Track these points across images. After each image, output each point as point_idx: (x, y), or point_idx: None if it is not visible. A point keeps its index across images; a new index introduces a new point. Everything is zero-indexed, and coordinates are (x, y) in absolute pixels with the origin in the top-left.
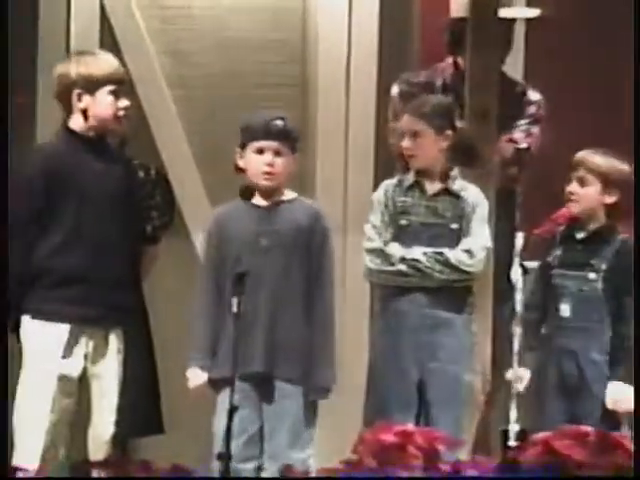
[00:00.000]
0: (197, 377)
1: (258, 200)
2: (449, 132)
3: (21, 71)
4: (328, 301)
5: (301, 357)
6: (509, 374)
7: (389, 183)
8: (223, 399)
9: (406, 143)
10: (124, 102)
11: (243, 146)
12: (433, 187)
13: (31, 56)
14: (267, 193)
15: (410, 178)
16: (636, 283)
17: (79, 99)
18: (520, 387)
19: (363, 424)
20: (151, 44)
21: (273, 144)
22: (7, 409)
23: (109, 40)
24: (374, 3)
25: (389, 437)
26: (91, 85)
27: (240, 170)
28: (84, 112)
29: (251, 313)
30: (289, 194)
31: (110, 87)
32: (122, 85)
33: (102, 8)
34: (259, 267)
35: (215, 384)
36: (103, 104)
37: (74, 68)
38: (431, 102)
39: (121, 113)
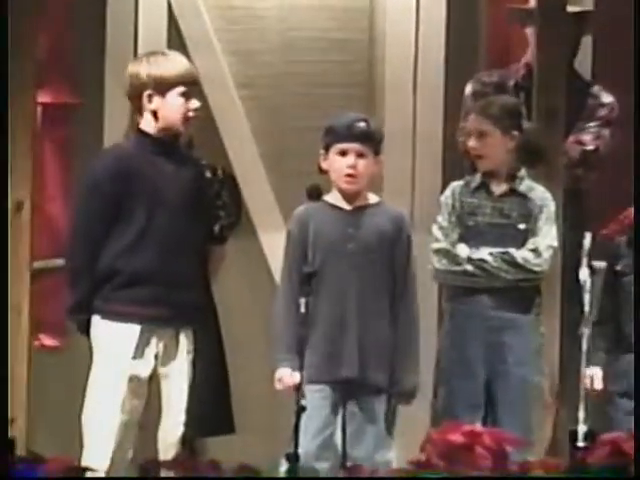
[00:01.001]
0: (288, 378)
1: (342, 203)
2: (516, 133)
3: (89, 71)
4: (412, 307)
5: (388, 363)
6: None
7: (456, 184)
8: (309, 401)
9: (473, 143)
10: (195, 103)
11: (327, 148)
12: (500, 188)
13: (99, 56)
14: (351, 196)
15: (477, 179)
16: (636, 282)
17: (150, 100)
18: (597, 385)
19: (430, 424)
20: (218, 44)
21: (356, 146)
22: (7, 407)
23: (176, 40)
24: (442, 2)
25: (457, 437)
26: (162, 87)
27: (323, 172)
28: (154, 113)
29: (340, 318)
30: (373, 198)
31: (181, 89)
32: (193, 86)
33: (169, 8)
34: (345, 271)
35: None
36: (174, 106)
37: (145, 69)
38: (498, 102)
39: (191, 114)
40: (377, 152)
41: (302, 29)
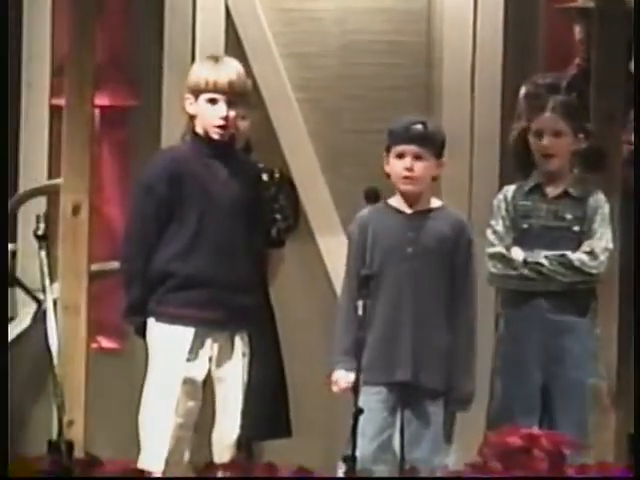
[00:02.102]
0: (343, 380)
1: (403, 206)
2: (582, 135)
3: (147, 74)
4: (471, 312)
5: (445, 367)
6: None
7: (508, 188)
8: (367, 404)
9: (547, 142)
10: (221, 111)
11: (387, 150)
12: (554, 190)
13: (157, 59)
14: (412, 199)
15: (531, 182)
16: (636, 283)
17: (190, 104)
18: None
19: (486, 428)
20: (275, 47)
21: (412, 148)
22: (7, 408)
23: (234, 43)
24: (499, 5)
25: (515, 440)
26: (194, 91)
27: (388, 175)
28: (195, 118)
29: (396, 321)
30: (435, 202)
31: (208, 95)
32: (224, 95)
33: (227, 11)
34: (403, 274)
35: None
36: (202, 112)
37: (190, 72)
38: (572, 103)
39: (220, 122)
40: (438, 155)
41: (359, 32)
